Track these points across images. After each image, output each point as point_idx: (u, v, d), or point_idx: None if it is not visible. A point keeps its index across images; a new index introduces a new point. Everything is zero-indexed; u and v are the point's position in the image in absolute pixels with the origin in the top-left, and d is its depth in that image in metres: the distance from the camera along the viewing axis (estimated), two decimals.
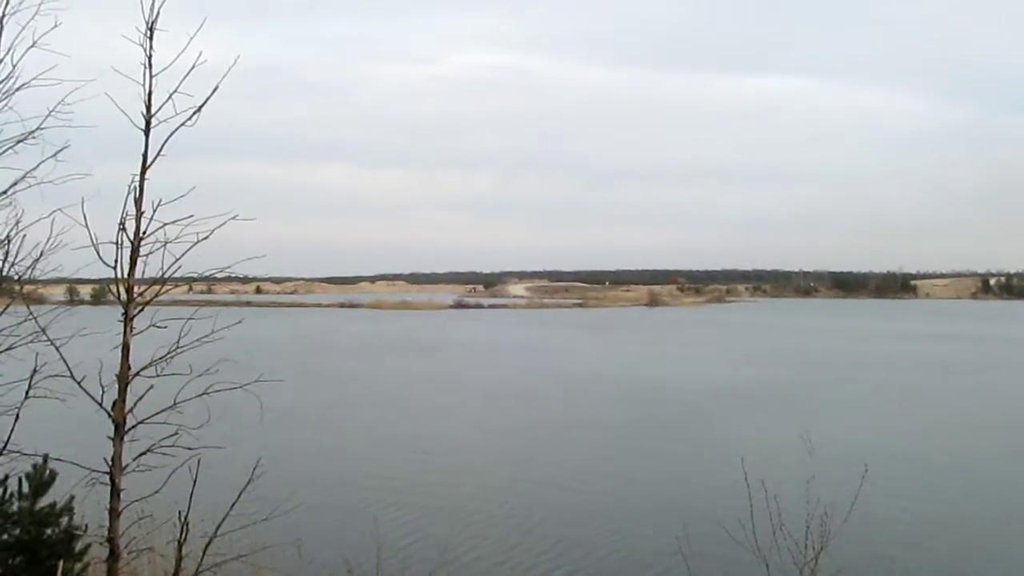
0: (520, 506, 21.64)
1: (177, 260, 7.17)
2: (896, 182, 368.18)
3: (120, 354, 7.14)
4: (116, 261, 7.08)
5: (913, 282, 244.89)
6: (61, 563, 7.13)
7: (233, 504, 8.00)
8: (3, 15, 7.38)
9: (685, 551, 11.74)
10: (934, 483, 24.36)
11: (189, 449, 7.45)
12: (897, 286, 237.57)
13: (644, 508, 21.53)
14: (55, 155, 7.44)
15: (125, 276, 7.13)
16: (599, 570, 17.01)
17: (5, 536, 7.30)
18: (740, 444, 27.32)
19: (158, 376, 7.28)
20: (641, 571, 16.86)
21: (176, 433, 7.34)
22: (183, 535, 7.73)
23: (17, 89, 7.54)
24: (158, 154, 7.16)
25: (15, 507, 7.33)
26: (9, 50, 7.46)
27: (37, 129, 7.52)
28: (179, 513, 7.82)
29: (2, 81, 7.48)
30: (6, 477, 7.51)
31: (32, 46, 7.43)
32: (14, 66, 7.50)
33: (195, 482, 7.84)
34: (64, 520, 7.41)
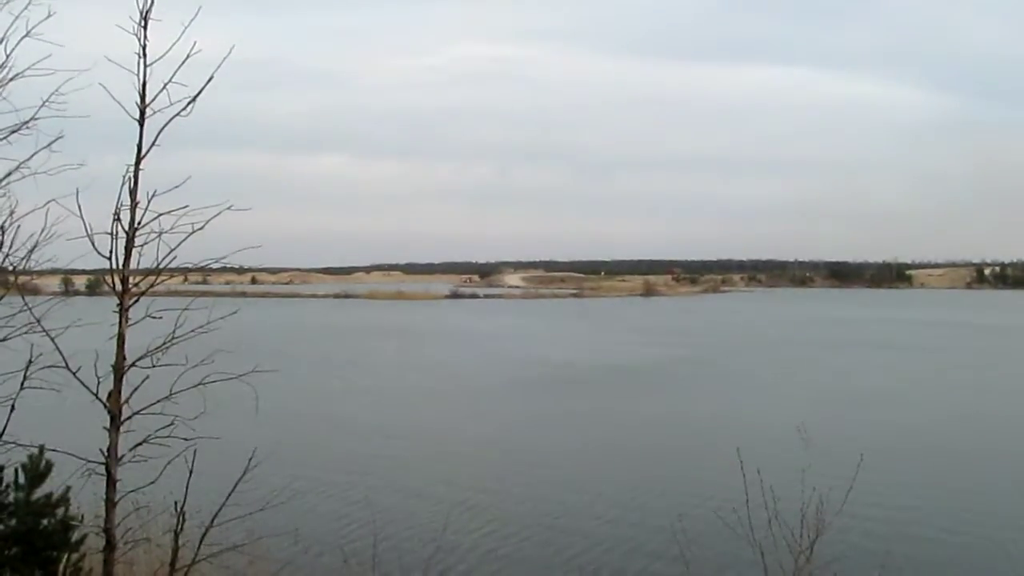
0: (512, 495, 21.71)
1: (172, 251, 7.15)
2: (893, 173, 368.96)
3: (116, 345, 7.13)
4: (111, 252, 7.06)
5: (908, 272, 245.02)
6: (65, 557, 7.12)
7: (229, 494, 8.01)
8: None
9: (680, 538, 11.81)
10: (928, 470, 24.55)
11: (185, 440, 7.45)
12: (892, 276, 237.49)
13: (637, 493, 21.59)
14: (49, 146, 7.42)
15: (120, 267, 7.11)
16: (593, 557, 17.06)
17: (1, 527, 7.29)
18: (736, 431, 27.44)
19: (154, 367, 7.28)
20: (636, 558, 16.91)
21: (172, 423, 7.34)
22: (179, 525, 7.74)
23: (11, 79, 7.50)
24: (152, 144, 7.12)
25: (11, 497, 7.32)
26: (2, 40, 7.41)
27: (31, 120, 7.49)
28: (175, 503, 7.83)
29: None
30: (2, 468, 7.50)
31: (25, 36, 7.37)
32: (7, 56, 7.45)
33: (191, 472, 7.84)
34: (60, 511, 7.40)
